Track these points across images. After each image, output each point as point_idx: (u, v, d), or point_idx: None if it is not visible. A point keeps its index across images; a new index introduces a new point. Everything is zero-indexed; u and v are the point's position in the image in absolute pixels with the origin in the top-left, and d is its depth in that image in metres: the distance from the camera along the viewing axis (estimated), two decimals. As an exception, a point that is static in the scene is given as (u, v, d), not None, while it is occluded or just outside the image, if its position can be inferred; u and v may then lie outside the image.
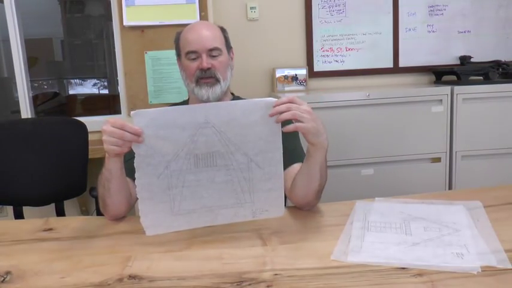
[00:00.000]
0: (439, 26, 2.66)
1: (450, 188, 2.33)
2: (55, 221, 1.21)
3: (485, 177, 2.29)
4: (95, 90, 4.87)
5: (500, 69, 2.44)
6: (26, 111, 2.47)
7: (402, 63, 2.68)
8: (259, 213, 1.05)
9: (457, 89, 2.27)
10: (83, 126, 1.81)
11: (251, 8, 2.55)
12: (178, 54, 1.37)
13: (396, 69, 2.68)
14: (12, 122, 2.11)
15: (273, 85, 2.59)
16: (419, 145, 2.28)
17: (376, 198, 1.24)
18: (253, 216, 1.05)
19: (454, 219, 1.07)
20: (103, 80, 4.84)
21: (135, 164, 0.98)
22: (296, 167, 1.19)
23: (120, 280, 0.86)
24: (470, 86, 2.31)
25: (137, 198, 1.01)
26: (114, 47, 2.39)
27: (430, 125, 2.27)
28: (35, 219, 1.22)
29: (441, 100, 2.26)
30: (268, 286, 0.82)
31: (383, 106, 2.24)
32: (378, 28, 2.64)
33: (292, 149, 1.21)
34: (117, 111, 2.58)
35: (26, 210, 1.78)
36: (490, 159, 2.31)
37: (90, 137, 1.82)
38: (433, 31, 2.67)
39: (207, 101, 1.30)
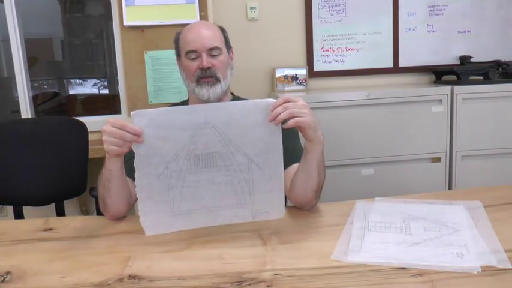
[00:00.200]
0: (439, 26, 2.66)
1: (450, 188, 2.33)
2: (55, 221, 1.21)
3: (485, 177, 2.29)
4: (95, 90, 4.87)
5: (500, 69, 2.44)
6: (26, 111, 2.47)
7: (402, 63, 2.68)
8: (259, 215, 1.05)
9: (457, 89, 2.27)
10: (83, 126, 1.81)
11: (251, 8, 2.55)
12: (178, 54, 1.37)
13: (396, 69, 2.68)
14: (12, 122, 2.11)
15: (273, 85, 2.59)
16: (419, 145, 2.28)
17: (376, 198, 1.24)
18: (253, 217, 1.05)
19: (454, 219, 1.07)
20: (103, 80, 4.84)
21: (135, 164, 0.98)
22: (295, 167, 1.18)
23: (120, 280, 0.86)
24: (470, 86, 2.31)
25: (137, 198, 1.01)
26: (114, 47, 2.39)
27: (430, 125, 2.27)
28: (35, 219, 1.22)
29: (441, 100, 2.26)
30: (268, 286, 0.82)
31: (383, 106, 2.24)
32: (378, 28, 2.64)
33: (292, 149, 1.21)
34: (117, 111, 2.58)
35: (26, 210, 1.78)
36: (490, 159, 2.31)
37: (90, 137, 1.82)
38: (433, 31, 2.67)
39: (208, 100, 1.30)
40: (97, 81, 4.88)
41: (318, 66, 2.65)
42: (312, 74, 2.63)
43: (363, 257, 0.90)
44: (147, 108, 1.00)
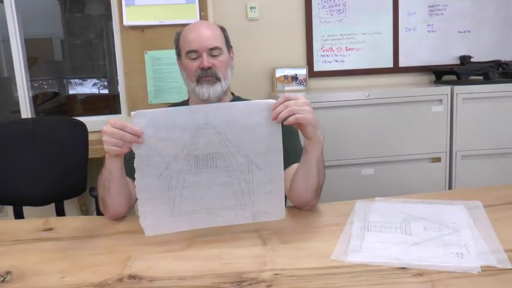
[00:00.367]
0: (439, 25, 2.66)
1: (450, 187, 2.33)
2: (55, 221, 1.21)
3: (485, 177, 2.30)
4: (95, 90, 4.87)
5: (500, 69, 2.43)
6: (26, 111, 2.47)
7: (402, 63, 2.68)
8: (259, 216, 1.05)
9: (457, 88, 2.27)
10: (83, 126, 1.81)
11: (251, 7, 2.54)
12: (179, 54, 1.37)
13: (396, 69, 2.68)
14: (12, 122, 2.11)
15: (273, 85, 2.59)
16: (419, 145, 2.28)
17: (376, 198, 1.24)
18: (253, 218, 1.05)
19: (454, 219, 1.07)
20: (103, 79, 4.84)
21: (135, 165, 0.98)
22: (295, 167, 1.18)
23: (120, 280, 0.86)
24: (470, 86, 2.31)
25: (137, 199, 1.01)
26: (114, 47, 2.39)
27: (430, 125, 2.27)
28: (35, 219, 1.22)
29: (441, 100, 2.26)
30: (268, 286, 0.82)
31: (383, 106, 2.24)
32: (378, 28, 2.64)
33: (292, 149, 1.22)
34: (117, 111, 2.58)
35: (26, 210, 1.78)
36: (490, 159, 2.32)
37: (90, 137, 1.82)
38: (433, 31, 2.67)
39: (208, 99, 1.30)
40: (97, 81, 4.88)
41: (318, 66, 2.65)
42: (312, 74, 2.63)
43: (363, 257, 0.90)
44: (147, 108, 0.99)
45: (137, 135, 0.97)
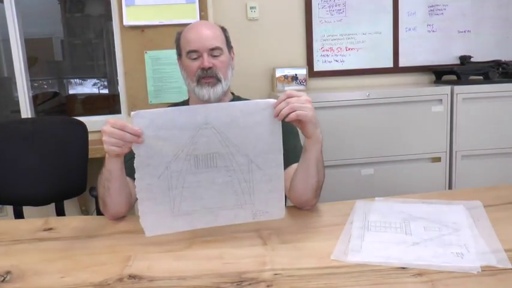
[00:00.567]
0: (439, 25, 2.66)
1: (450, 187, 2.33)
2: (55, 221, 1.21)
3: (485, 177, 2.29)
4: (95, 90, 4.86)
5: (500, 69, 2.44)
6: (26, 111, 2.47)
7: (402, 63, 2.68)
8: (259, 215, 1.05)
9: (457, 88, 2.27)
10: (83, 126, 1.81)
11: (251, 7, 2.54)
12: (179, 54, 1.37)
13: (396, 69, 2.68)
14: (12, 122, 2.11)
15: (273, 85, 2.59)
16: (419, 145, 2.28)
17: (376, 198, 1.24)
18: (253, 218, 1.05)
19: (454, 219, 1.07)
20: (103, 79, 4.84)
21: (135, 165, 0.98)
22: (295, 167, 1.18)
23: (120, 280, 0.86)
24: (470, 86, 2.31)
25: (137, 198, 1.01)
26: (114, 47, 2.39)
27: (430, 125, 2.27)
28: (35, 218, 1.22)
29: (441, 100, 2.26)
30: (268, 286, 0.82)
31: (383, 106, 2.24)
32: (378, 28, 2.64)
33: (292, 149, 1.22)
34: (117, 110, 2.58)
35: (26, 210, 1.78)
36: (490, 159, 2.32)
37: (90, 137, 1.82)
38: (433, 31, 2.67)
39: (208, 100, 1.29)
40: (97, 81, 4.87)
41: (318, 66, 2.65)
42: (312, 73, 2.63)
43: (363, 256, 0.90)
44: (147, 108, 0.99)
45: (137, 135, 0.97)
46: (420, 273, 0.84)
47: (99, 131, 1.05)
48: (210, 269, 0.89)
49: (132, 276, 0.87)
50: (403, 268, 0.86)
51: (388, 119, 2.25)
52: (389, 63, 2.68)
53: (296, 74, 2.57)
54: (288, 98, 1.01)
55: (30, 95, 2.52)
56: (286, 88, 2.55)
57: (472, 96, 2.28)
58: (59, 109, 4.27)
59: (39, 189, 1.74)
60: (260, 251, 0.96)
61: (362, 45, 2.65)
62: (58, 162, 1.75)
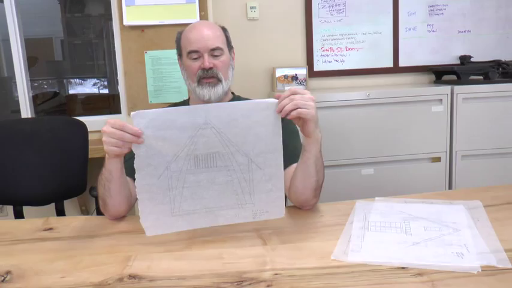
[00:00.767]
0: (439, 25, 2.67)
1: (450, 187, 2.33)
2: (55, 221, 1.21)
3: (485, 177, 2.30)
4: (95, 90, 4.86)
5: (500, 69, 2.44)
6: (26, 110, 2.47)
7: (402, 63, 2.68)
8: (259, 215, 1.05)
9: (457, 88, 2.27)
10: (83, 125, 1.81)
11: (251, 7, 2.55)
12: (180, 54, 1.37)
13: (396, 69, 2.69)
14: (12, 122, 2.11)
15: (273, 85, 2.59)
16: (419, 145, 2.28)
17: (376, 198, 1.24)
18: (253, 217, 1.05)
19: (454, 218, 1.07)
20: (103, 79, 4.84)
21: (135, 165, 0.98)
22: (295, 166, 1.19)
23: (120, 280, 0.86)
24: (470, 86, 2.31)
25: (137, 198, 1.01)
26: (114, 47, 2.39)
27: (430, 125, 2.27)
28: (35, 218, 1.22)
29: (441, 100, 2.26)
30: (268, 286, 0.82)
31: (383, 106, 2.24)
32: (378, 28, 2.64)
33: (292, 149, 1.22)
34: (117, 110, 2.57)
35: (26, 209, 1.78)
36: (490, 159, 2.32)
37: (90, 137, 1.82)
38: (433, 31, 2.67)
39: (209, 100, 1.30)
40: (97, 81, 4.87)
41: (318, 66, 2.65)
42: (312, 73, 2.63)
43: (363, 256, 0.90)
44: (147, 108, 0.99)
45: (137, 136, 0.97)
46: (420, 273, 0.84)
47: (99, 131, 1.05)
48: (210, 269, 0.89)
49: (132, 276, 0.87)
50: (403, 268, 0.86)
51: (388, 119, 2.25)
52: (389, 63, 2.68)
53: (296, 74, 2.57)
54: (292, 94, 1.02)
55: (30, 95, 2.52)
56: (286, 88, 2.55)
57: (472, 96, 2.28)
58: (59, 109, 4.27)
59: (39, 189, 1.75)
60: (260, 251, 0.96)
61: (362, 45, 2.65)
62: (58, 162, 1.76)
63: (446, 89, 2.28)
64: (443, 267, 0.85)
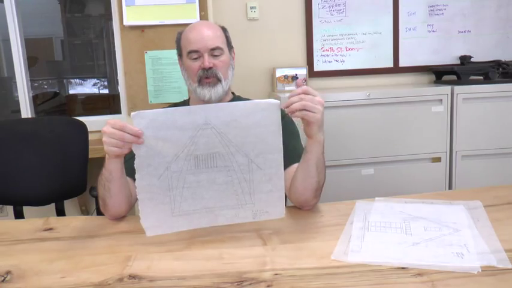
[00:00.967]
0: (439, 25, 2.67)
1: (450, 188, 2.33)
2: (55, 221, 1.21)
3: (485, 177, 2.30)
4: (95, 90, 4.87)
5: (501, 69, 2.44)
6: (26, 110, 2.47)
7: (402, 63, 2.68)
8: (259, 215, 1.05)
9: (457, 88, 2.27)
10: (83, 126, 1.81)
11: (251, 7, 2.55)
12: (180, 54, 1.37)
13: (396, 69, 2.69)
14: (12, 122, 2.11)
15: (273, 85, 2.59)
16: (419, 145, 2.28)
17: (376, 198, 1.24)
18: (253, 217, 1.05)
19: (454, 219, 1.07)
20: (103, 79, 4.84)
21: (135, 166, 0.98)
22: (296, 166, 1.18)
23: (120, 280, 0.86)
24: (471, 86, 2.31)
25: (138, 198, 1.01)
26: (114, 47, 2.39)
27: (430, 125, 2.27)
28: (35, 218, 1.22)
29: (441, 100, 2.26)
30: (268, 286, 0.82)
31: (383, 106, 2.24)
32: (378, 28, 2.64)
33: (293, 149, 1.22)
34: (117, 110, 2.58)
35: (26, 210, 1.78)
36: (490, 159, 2.32)
37: (90, 137, 1.82)
38: (433, 31, 2.67)
39: (209, 100, 1.30)
40: (97, 81, 4.88)
41: (318, 66, 2.65)
42: (312, 73, 2.63)
43: (363, 257, 0.90)
44: (147, 108, 0.99)
45: (137, 136, 0.97)
46: (420, 273, 0.84)
47: (99, 131, 1.05)
48: (210, 269, 0.89)
49: (132, 276, 0.87)
50: (404, 268, 0.86)
51: (388, 119, 2.25)
52: (390, 63, 2.68)
53: (296, 74, 2.57)
54: (304, 93, 1.02)
55: (31, 95, 2.52)
56: (286, 88, 2.56)
57: (472, 96, 2.28)
58: (59, 109, 4.27)
59: (39, 189, 1.75)
60: (260, 251, 0.96)
61: (362, 45, 2.65)
62: (58, 162, 1.76)
63: (447, 89, 2.28)
64: (444, 267, 0.85)
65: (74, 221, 1.19)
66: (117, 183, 1.11)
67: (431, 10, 2.65)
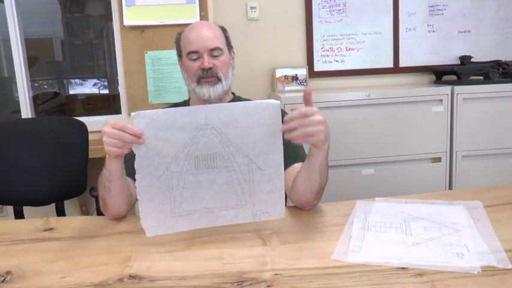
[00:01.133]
0: (439, 25, 2.67)
1: (450, 188, 2.33)
2: (55, 221, 1.21)
3: (485, 177, 2.30)
4: (95, 90, 4.87)
5: (501, 69, 2.44)
6: (26, 111, 2.47)
7: (402, 63, 2.68)
8: (259, 215, 1.05)
9: (457, 89, 2.28)
10: (83, 126, 1.81)
11: (251, 7, 2.55)
12: (180, 54, 1.37)
13: (396, 69, 2.69)
14: (13, 122, 2.11)
15: (273, 85, 2.59)
16: (419, 145, 2.29)
17: (377, 198, 1.24)
18: (253, 218, 1.05)
19: (454, 219, 1.07)
20: (103, 79, 4.84)
21: (135, 166, 0.98)
22: (297, 166, 1.19)
23: (121, 280, 0.86)
24: (471, 86, 2.31)
25: (138, 199, 1.01)
26: (114, 47, 2.39)
27: (430, 125, 2.27)
28: (35, 219, 1.22)
29: (441, 100, 2.26)
30: (268, 286, 0.82)
31: (383, 106, 2.25)
32: (378, 28, 2.64)
33: (293, 149, 1.21)
34: (117, 111, 2.58)
35: (27, 210, 1.78)
36: (490, 159, 2.32)
37: (90, 137, 1.82)
38: (433, 31, 2.67)
39: (209, 99, 1.30)
40: (97, 81, 4.88)
41: (318, 66, 2.65)
42: (312, 74, 2.63)
43: (363, 257, 0.90)
44: (147, 109, 0.99)
45: (137, 136, 0.97)
46: (420, 273, 0.84)
47: (99, 131, 1.05)
48: (210, 269, 0.89)
49: (132, 277, 0.87)
50: (404, 268, 0.86)
51: (388, 119, 2.25)
52: (390, 64, 2.68)
53: (296, 74, 2.57)
54: (303, 117, 0.98)
55: (31, 95, 2.52)
56: (286, 88, 2.56)
57: (472, 96, 2.28)
58: (59, 109, 4.27)
59: (39, 189, 1.75)
60: (260, 251, 0.96)
61: (362, 45, 2.65)
62: (58, 162, 1.76)
63: (447, 89, 2.28)
64: (444, 267, 0.85)
65: (74, 221, 1.19)
66: (117, 183, 1.11)
67: (431, 10, 2.65)
